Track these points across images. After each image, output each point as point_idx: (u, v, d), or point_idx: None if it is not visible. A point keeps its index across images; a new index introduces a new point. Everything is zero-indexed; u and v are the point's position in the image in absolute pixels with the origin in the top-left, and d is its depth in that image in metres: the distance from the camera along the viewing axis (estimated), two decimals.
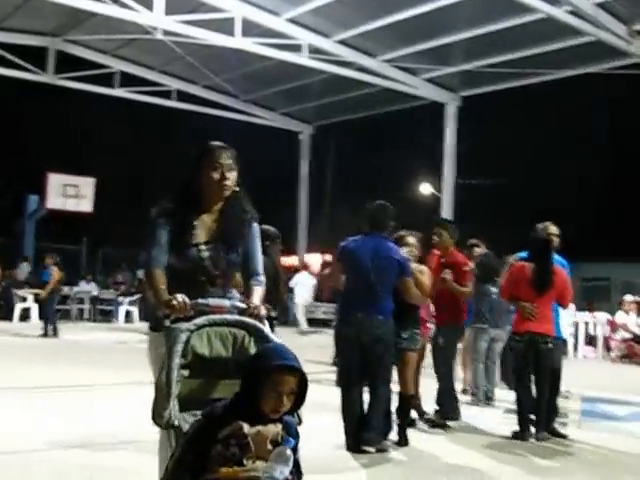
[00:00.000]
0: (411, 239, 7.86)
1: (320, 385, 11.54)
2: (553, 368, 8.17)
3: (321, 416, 8.54)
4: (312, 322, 25.31)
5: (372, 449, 6.95)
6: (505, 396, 10.26)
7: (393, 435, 7.42)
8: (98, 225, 29.02)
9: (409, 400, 7.64)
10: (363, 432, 7.02)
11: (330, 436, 7.31)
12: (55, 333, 18.31)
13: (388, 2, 19.35)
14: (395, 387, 7.54)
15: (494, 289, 10.07)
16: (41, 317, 18.94)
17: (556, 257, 8.34)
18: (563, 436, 8.06)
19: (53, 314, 18.91)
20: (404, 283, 7.21)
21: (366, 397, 7.23)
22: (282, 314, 27.48)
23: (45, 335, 18.12)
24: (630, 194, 30.01)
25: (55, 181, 25.79)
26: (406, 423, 7.59)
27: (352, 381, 7.21)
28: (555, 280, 8.07)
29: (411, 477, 6.42)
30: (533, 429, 7.96)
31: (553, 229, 8.45)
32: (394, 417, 7.51)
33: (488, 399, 10.19)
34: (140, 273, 26.13)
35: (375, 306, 7.06)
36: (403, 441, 7.40)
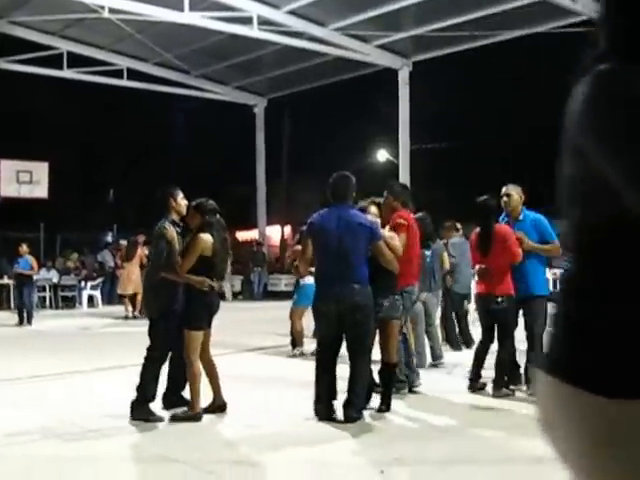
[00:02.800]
0: (372, 208, 7.91)
1: (282, 358, 11.64)
2: (506, 325, 8.34)
3: (287, 389, 8.64)
4: (274, 295, 25.38)
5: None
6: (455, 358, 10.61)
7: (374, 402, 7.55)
8: (55, 210, 28.68)
9: (393, 368, 7.71)
10: (344, 409, 7.11)
11: (298, 407, 7.46)
12: (29, 321, 18.34)
13: None
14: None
15: (427, 252, 10.16)
16: (19, 306, 18.73)
17: (531, 213, 8.58)
18: (510, 395, 8.25)
19: (32, 302, 19.06)
20: (376, 247, 7.27)
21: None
22: (246, 288, 27.61)
23: (22, 323, 18.17)
24: None
25: (7, 168, 25.34)
26: (390, 391, 7.65)
27: (328, 354, 7.29)
28: (495, 240, 8.26)
29: (380, 441, 6.52)
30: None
31: (503, 189, 8.61)
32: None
33: (437, 358, 10.36)
34: (101, 256, 25.95)
35: (350, 275, 7.12)
36: (385, 407, 7.49)
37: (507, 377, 8.42)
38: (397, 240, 7.69)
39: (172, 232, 7.53)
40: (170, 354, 7.61)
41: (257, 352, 12.52)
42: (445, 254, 10.94)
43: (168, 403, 7.64)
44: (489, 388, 8.40)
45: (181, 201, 7.76)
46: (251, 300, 26.31)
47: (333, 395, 7.24)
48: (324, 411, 7.14)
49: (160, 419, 7.28)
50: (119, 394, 7.72)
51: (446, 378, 8.98)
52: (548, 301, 8.31)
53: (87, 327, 17.73)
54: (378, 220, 7.82)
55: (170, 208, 7.70)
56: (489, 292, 8.38)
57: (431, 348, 10.50)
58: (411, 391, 8.50)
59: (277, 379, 9.61)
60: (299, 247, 8.95)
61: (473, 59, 25.44)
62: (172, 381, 7.74)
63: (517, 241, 8.29)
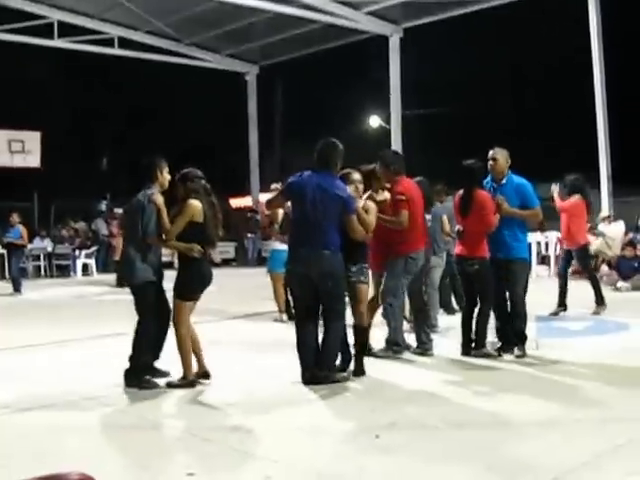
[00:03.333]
0: (356, 176, 7.85)
1: (273, 324, 11.70)
2: (483, 288, 8.46)
3: (277, 354, 8.68)
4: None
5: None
6: (447, 321, 10.64)
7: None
8: (48, 179, 28.61)
9: (365, 331, 7.77)
10: (315, 369, 7.21)
11: (287, 372, 7.48)
12: (18, 289, 18.26)
13: None
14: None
15: (427, 216, 10.14)
16: (13, 276, 18.78)
17: (516, 178, 8.62)
18: (491, 355, 8.41)
19: (18, 271, 19.02)
20: (348, 220, 7.29)
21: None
22: (240, 255, 27.72)
23: (18, 291, 18.16)
24: (580, 116, 30.31)
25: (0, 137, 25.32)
26: (363, 354, 7.71)
27: (305, 316, 7.37)
28: (474, 206, 8.38)
29: (373, 406, 6.53)
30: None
31: (490, 153, 8.66)
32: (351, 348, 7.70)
33: (431, 325, 10.31)
34: (95, 225, 26.01)
35: (321, 241, 7.18)
36: (360, 371, 7.56)
37: (500, 339, 8.57)
38: (372, 215, 7.68)
39: (160, 198, 7.48)
40: None
41: (252, 317, 12.58)
42: (445, 216, 10.97)
43: (133, 379, 7.45)
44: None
45: (166, 174, 7.68)
46: (245, 266, 26.49)
47: (314, 357, 7.32)
48: (310, 378, 7.22)
49: (155, 385, 7.32)
50: (114, 362, 7.72)
51: (438, 341, 9.04)
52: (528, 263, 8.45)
53: (82, 295, 17.80)
54: (360, 187, 7.82)
55: (155, 179, 7.61)
56: (464, 254, 8.55)
57: None
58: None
59: (270, 344, 9.67)
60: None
61: (463, 25, 25.44)
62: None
63: (496, 205, 8.38)
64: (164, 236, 7.38)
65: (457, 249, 8.77)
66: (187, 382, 7.26)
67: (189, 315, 7.35)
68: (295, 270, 7.37)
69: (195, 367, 7.41)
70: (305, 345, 7.32)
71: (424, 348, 8.61)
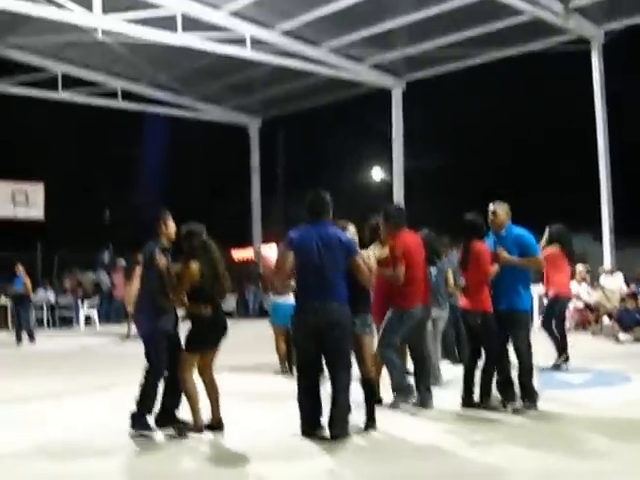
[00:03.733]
0: (351, 227, 7.98)
1: (274, 376, 11.65)
2: (485, 340, 8.47)
3: (277, 405, 8.71)
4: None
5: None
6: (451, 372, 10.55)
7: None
8: (51, 230, 28.75)
9: (372, 383, 7.75)
10: (331, 427, 7.13)
11: (288, 424, 7.46)
12: (32, 338, 18.40)
13: None
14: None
15: (434, 270, 10.21)
16: (18, 325, 18.84)
17: (516, 229, 8.68)
18: (493, 407, 8.36)
19: (29, 320, 18.97)
20: (353, 262, 7.30)
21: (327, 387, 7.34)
22: (241, 307, 27.67)
23: (19, 341, 18.21)
24: (576, 166, 30.44)
25: (3, 189, 25.44)
26: (373, 406, 7.65)
27: (308, 368, 7.33)
28: (471, 257, 8.49)
29: (376, 461, 6.50)
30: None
31: (490, 207, 8.73)
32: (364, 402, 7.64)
33: (434, 377, 10.20)
34: (97, 276, 26.02)
35: (329, 292, 7.17)
36: (371, 425, 7.51)
37: (501, 393, 8.51)
38: (373, 260, 7.85)
39: (163, 260, 7.61)
40: (166, 373, 7.64)
41: (253, 369, 12.56)
42: (450, 271, 10.99)
43: (161, 422, 7.64)
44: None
45: (170, 226, 7.84)
46: (245, 318, 26.38)
47: (317, 414, 7.30)
48: (307, 428, 7.23)
49: (157, 433, 7.37)
50: (118, 411, 7.79)
51: (441, 393, 9.03)
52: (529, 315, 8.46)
53: (84, 346, 17.81)
54: (355, 238, 7.89)
55: (160, 233, 7.78)
56: (467, 308, 8.61)
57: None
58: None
59: (271, 395, 9.69)
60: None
61: (465, 78, 25.67)
62: (166, 400, 7.73)
63: (495, 257, 8.45)
64: (171, 297, 7.55)
65: (461, 302, 8.81)
66: (196, 429, 7.37)
67: (192, 364, 7.46)
68: (303, 321, 7.29)
69: (209, 415, 7.51)
70: (306, 397, 7.27)
71: (423, 401, 8.56)
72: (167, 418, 7.66)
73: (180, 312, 7.86)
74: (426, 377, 8.82)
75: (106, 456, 6.71)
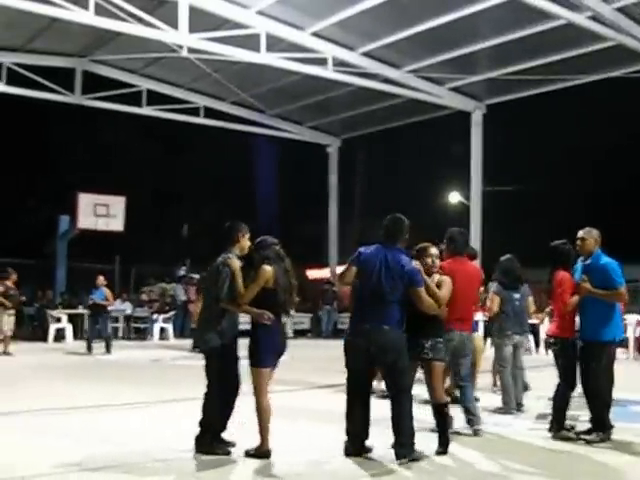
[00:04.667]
0: (433, 250, 7.92)
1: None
2: (561, 366, 8.44)
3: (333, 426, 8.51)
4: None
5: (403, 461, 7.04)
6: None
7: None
8: (130, 243, 29.25)
9: (442, 408, 7.69)
10: (395, 449, 7.13)
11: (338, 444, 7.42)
12: (109, 350, 18.68)
13: (411, 13, 19.49)
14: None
15: (516, 295, 10.22)
16: (89, 336, 19.19)
17: (603, 257, 8.45)
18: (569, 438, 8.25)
19: (107, 331, 19.32)
20: (414, 293, 7.30)
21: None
22: (315, 326, 27.73)
23: (90, 351, 18.54)
24: None
25: (85, 201, 25.98)
26: (446, 431, 7.63)
27: (357, 388, 7.37)
28: (554, 283, 8.49)
29: None
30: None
31: (579, 233, 8.58)
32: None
33: (518, 405, 10.23)
34: (173, 290, 26.33)
35: (382, 315, 7.19)
36: (443, 449, 7.48)
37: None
38: (446, 288, 7.75)
39: (236, 263, 7.48)
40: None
41: (325, 389, 12.50)
42: (531, 297, 10.94)
43: (203, 445, 7.44)
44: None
45: (246, 238, 7.74)
46: (319, 338, 26.53)
47: (364, 432, 7.31)
48: (352, 449, 7.26)
49: (226, 453, 7.32)
50: (184, 426, 7.80)
51: (510, 420, 9.00)
52: (612, 347, 8.30)
53: (158, 359, 18.00)
54: (437, 261, 7.89)
55: (235, 242, 7.67)
56: (549, 334, 8.73)
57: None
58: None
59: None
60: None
61: (547, 103, 25.46)
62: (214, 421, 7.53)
63: (577, 287, 8.36)
64: (237, 300, 7.33)
65: (547, 328, 8.92)
66: (263, 452, 7.19)
67: (267, 383, 7.25)
68: (354, 342, 7.31)
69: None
70: (353, 418, 7.32)
71: (472, 426, 8.48)
72: (209, 441, 7.44)
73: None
74: (468, 402, 8.66)
75: (168, 472, 6.77)
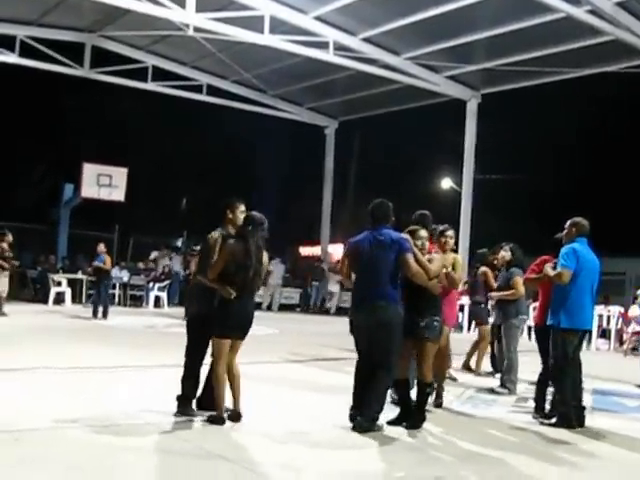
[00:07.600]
0: (422, 232, 7.92)
1: (332, 370, 11.75)
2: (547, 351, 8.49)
3: (331, 397, 8.97)
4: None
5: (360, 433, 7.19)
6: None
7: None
8: (129, 213, 29.78)
9: (426, 387, 7.81)
10: (357, 414, 7.36)
11: (341, 415, 7.59)
12: (105, 315, 19.25)
13: (411, 1, 19.98)
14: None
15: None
16: (94, 301, 19.85)
17: (573, 245, 8.35)
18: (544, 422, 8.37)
19: (106, 297, 19.97)
20: (402, 260, 7.40)
21: None
22: (303, 299, 28.36)
23: (95, 316, 19.10)
24: None
25: (90, 171, 26.49)
26: (423, 409, 7.81)
27: (364, 362, 7.57)
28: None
29: (420, 459, 6.62)
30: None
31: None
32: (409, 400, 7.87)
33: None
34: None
35: (378, 292, 7.39)
36: (413, 424, 7.61)
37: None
38: (436, 264, 7.77)
39: (214, 239, 7.52)
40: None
41: (312, 361, 12.77)
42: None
43: (204, 404, 7.67)
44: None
45: (239, 214, 7.65)
46: (307, 313, 27.15)
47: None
48: (353, 418, 7.40)
49: (197, 416, 7.47)
50: (173, 389, 7.79)
51: (493, 400, 9.34)
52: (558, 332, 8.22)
53: (152, 325, 18.43)
54: (427, 243, 7.93)
55: (226, 219, 7.71)
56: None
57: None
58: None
59: (326, 387, 9.91)
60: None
61: (541, 94, 25.85)
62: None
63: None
64: (207, 274, 7.46)
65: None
66: (215, 418, 7.28)
67: (224, 352, 7.32)
68: (355, 321, 7.57)
69: (229, 404, 7.44)
70: (357, 388, 7.53)
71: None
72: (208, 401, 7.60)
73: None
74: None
75: (157, 432, 6.94)
